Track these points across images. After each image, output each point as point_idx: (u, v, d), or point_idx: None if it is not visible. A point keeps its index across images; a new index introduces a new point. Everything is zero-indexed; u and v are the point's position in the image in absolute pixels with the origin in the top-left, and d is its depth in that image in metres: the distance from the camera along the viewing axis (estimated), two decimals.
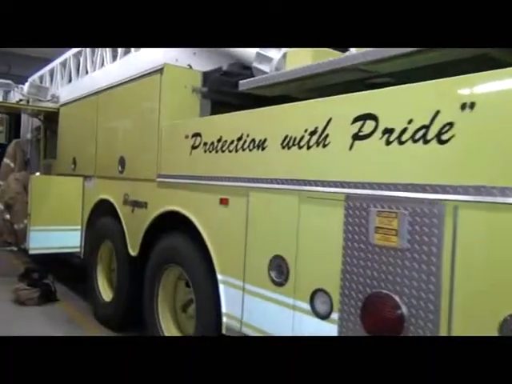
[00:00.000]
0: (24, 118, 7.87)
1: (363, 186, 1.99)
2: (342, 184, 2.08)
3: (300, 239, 2.28)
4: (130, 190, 3.99)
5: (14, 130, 8.44)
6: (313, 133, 2.23)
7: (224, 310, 2.78)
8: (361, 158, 2.01)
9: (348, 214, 2.03)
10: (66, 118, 5.73)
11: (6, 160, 7.41)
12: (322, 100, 2.24)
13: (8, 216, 5.31)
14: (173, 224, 3.50)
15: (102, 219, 4.62)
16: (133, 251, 3.88)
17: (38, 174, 6.48)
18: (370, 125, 1.97)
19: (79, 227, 5.00)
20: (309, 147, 2.26)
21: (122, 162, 4.13)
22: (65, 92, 6.64)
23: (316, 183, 2.21)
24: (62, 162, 5.67)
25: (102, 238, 4.62)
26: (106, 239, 4.53)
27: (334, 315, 2.09)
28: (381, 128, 1.93)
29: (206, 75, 3.74)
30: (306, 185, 2.26)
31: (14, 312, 4.74)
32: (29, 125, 7.77)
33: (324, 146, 2.18)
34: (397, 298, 1.82)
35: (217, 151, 2.92)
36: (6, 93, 10.84)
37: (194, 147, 3.15)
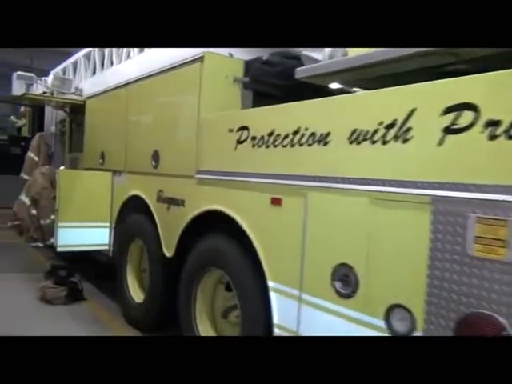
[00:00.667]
0: (48, 110, 7.72)
1: (457, 187, 1.71)
2: (427, 185, 1.81)
3: (372, 246, 2.01)
4: (165, 186, 3.76)
5: (38, 123, 8.31)
6: (390, 126, 1.96)
7: (275, 320, 2.53)
8: (454, 154, 1.73)
9: (436, 220, 1.76)
10: (92, 110, 5.54)
11: (30, 154, 7.28)
12: (403, 88, 1.96)
13: (34, 211, 5.14)
14: (213, 224, 3.27)
15: (132, 216, 4.41)
16: (168, 252, 3.66)
17: (62, 167, 6.32)
18: (467, 116, 1.69)
19: (108, 224, 4.81)
20: (384, 142, 1.98)
21: (155, 156, 3.91)
22: (88, 84, 6.45)
23: (393, 183, 1.94)
24: (89, 156, 5.48)
25: (132, 237, 4.41)
26: (137, 238, 4.32)
27: (418, 335, 1.82)
28: (482, 120, 1.64)
29: (248, 64, 3.49)
30: (379, 185, 1.99)
31: (40, 311, 4.57)
32: (53, 118, 7.62)
33: (405, 140, 1.90)
34: (503, 321, 1.55)
35: (267, 146, 2.66)
36: (29, 86, 10.76)
37: (239, 142, 2.90)
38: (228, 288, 3.31)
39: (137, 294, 4.39)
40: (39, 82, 8.18)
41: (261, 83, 3.51)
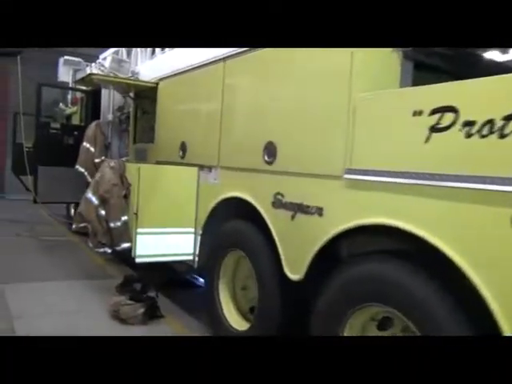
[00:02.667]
0: (104, 96, 6.97)
1: None
2: None
3: None
4: (287, 188, 2.90)
5: (91, 110, 7.60)
6: None
7: None
8: None
9: None
10: (168, 94, 4.73)
11: (85, 144, 6.58)
12: None
13: (103, 212, 4.38)
14: (370, 242, 2.41)
15: (229, 223, 3.59)
16: (293, 273, 2.81)
17: (123, 159, 5.57)
18: None
19: (192, 230, 4.01)
20: None
21: (270, 149, 3.05)
22: (148, 68, 5.68)
23: None
24: (163, 147, 4.69)
25: (228, 247, 3.58)
26: (236, 249, 3.50)
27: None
28: None
29: None
30: None
31: (119, 334, 3.82)
32: (110, 104, 6.89)
33: None
34: None
35: (503, 135, 1.75)
36: (75, 71, 10.14)
37: (436, 129, 2.00)
38: (381, 327, 2.46)
39: (235, 319, 3.57)
40: (94, 64, 7.47)
41: (425, 53, 2.61)
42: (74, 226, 4.47)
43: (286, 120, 2.94)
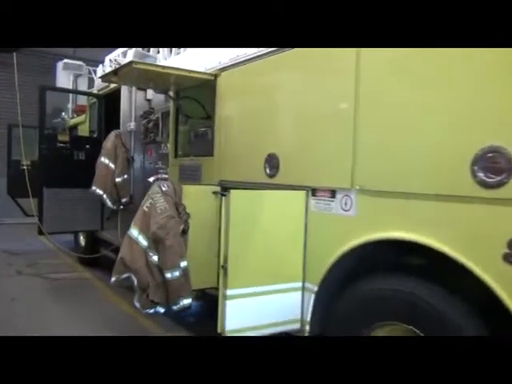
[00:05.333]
0: (124, 101, 5.62)
1: None
2: None
3: None
4: None
5: (105, 118, 6.24)
6: None
7: None
8: None
9: None
10: (237, 88, 3.42)
11: (103, 159, 5.24)
12: None
13: (155, 257, 3.04)
14: None
15: (381, 279, 2.27)
16: None
17: (162, 181, 4.20)
18: None
19: (299, 285, 2.68)
20: None
21: (490, 160, 1.76)
22: (179, 61, 4.41)
23: None
24: (232, 162, 3.37)
25: (379, 318, 2.26)
26: (396, 322, 2.18)
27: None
28: None
29: None
30: None
31: None
32: (131, 110, 5.56)
33: None
34: None
35: None
36: (76, 77, 8.89)
37: None
38: None
39: None
40: (109, 63, 6.16)
41: None
42: (113, 279, 3.10)
43: None
